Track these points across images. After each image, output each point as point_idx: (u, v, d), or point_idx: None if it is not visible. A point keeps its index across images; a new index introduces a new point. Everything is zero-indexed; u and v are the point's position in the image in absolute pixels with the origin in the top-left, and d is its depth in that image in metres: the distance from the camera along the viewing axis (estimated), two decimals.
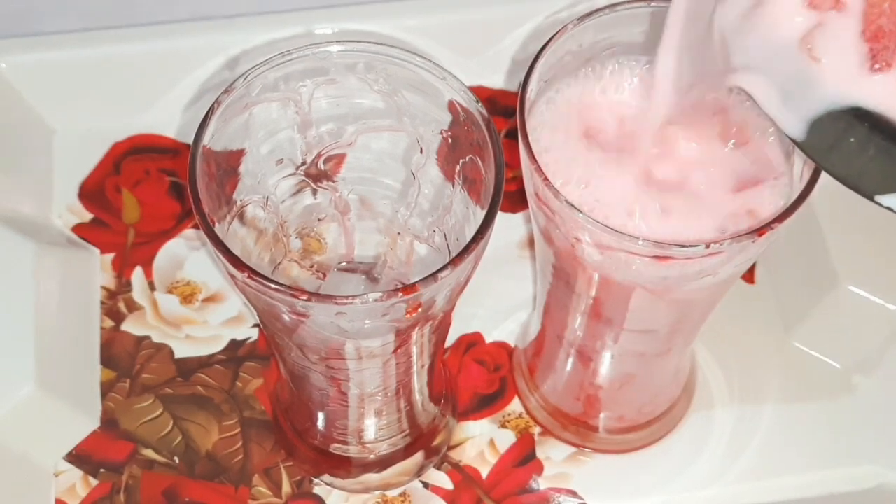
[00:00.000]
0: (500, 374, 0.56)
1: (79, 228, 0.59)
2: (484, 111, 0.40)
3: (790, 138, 0.34)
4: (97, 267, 0.58)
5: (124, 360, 0.55)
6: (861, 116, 0.32)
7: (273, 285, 0.37)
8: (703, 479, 0.53)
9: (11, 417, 0.50)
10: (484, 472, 0.53)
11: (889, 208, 0.33)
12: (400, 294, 0.37)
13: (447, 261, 0.37)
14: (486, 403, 0.55)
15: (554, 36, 0.42)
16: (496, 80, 0.63)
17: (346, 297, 0.37)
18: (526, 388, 0.54)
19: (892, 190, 0.33)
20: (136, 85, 0.61)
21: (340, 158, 0.46)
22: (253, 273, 0.37)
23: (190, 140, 0.39)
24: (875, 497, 0.52)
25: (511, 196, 0.58)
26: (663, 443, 0.54)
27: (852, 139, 0.32)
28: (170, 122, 0.62)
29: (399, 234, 0.47)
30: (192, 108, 0.62)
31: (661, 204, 0.40)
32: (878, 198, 0.33)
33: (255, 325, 0.56)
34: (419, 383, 0.48)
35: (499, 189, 0.39)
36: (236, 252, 0.37)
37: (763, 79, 0.34)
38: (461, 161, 0.43)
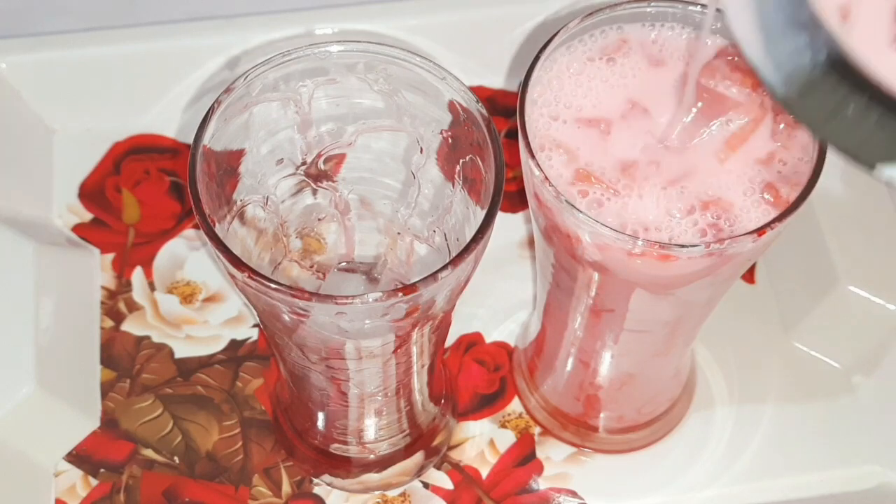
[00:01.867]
0: (500, 374, 0.56)
1: (79, 228, 0.59)
2: (484, 111, 0.40)
3: (781, 100, 0.33)
4: (97, 267, 0.58)
5: (124, 360, 0.55)
6: (862, 87, 0.31)
7: (273, 285, 0.37)
8: (703, 479, 0.53)
9: (11, 417, 0.50)
10: (484, 472, 0.53)
11: (890, 179, 0.32)
12: (400, 294, 0.37)
13: (447, 261, 0.37)
14: (486, 403, 0.55)
15: (554, 35, 0.42)
16: (496, 80, 0.63)
17: (346, 297, 0.37)
18: (526, 388, 0.54)
19: (893, 158, 0.32)
20: (136, 85, 0.61)
21: (340, 158, 0.46)
22: (253, 273, 0.37)
23: (190, 140, 0.39)
24: (875, 497, 0.52)
25: (511, 196, 0.58)
26: (663, 443, 0.54)
27: (853, 106, 0.32)
28: (170, 122, 0.62)
29: (399, 234, 0.47)
30: (192, 108, 0.62)
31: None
32: (878, 167, 0.32)
33: (255, 325, 0.56)
34: (419, 383, 0.48)
35: (499, 189, 0.39)
36: (236, 252, 0.37)
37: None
38: (461, 161, 0.43)
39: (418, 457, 0.53)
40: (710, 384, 0.55)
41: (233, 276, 0.38)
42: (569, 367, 0.51)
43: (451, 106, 0.42)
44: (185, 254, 0.58)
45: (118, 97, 0.61)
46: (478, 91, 0.57)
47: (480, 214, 0.39)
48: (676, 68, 0.42)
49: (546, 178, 0.39)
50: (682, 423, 0.54)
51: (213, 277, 0.58)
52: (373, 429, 0.50)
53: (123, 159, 0.61)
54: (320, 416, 0.50)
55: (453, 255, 0.39)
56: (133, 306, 0.57)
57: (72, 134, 0.62)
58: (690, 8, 0.43)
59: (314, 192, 0.46)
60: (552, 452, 0.53)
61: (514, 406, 0.55)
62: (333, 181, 0.46)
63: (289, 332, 0.41)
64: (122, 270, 0.58)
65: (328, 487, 0.52)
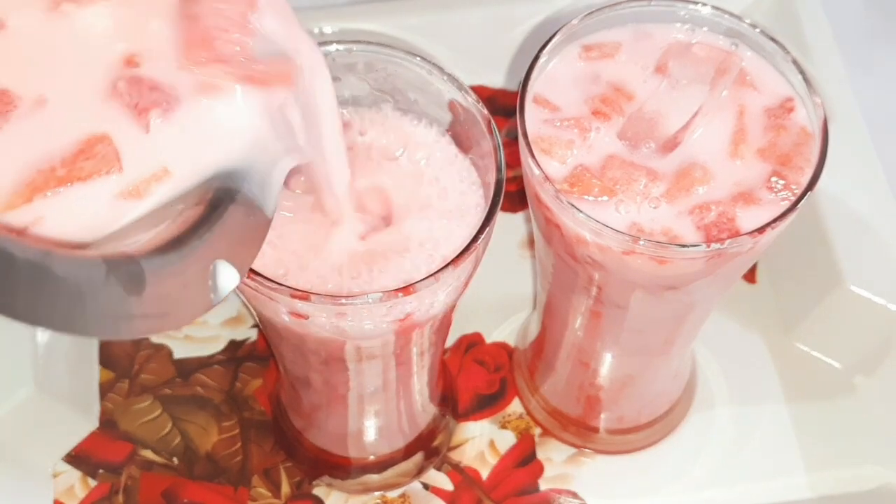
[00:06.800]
0: (500, 375, 0.55)
1: None
2: (484, 111, 0.40)
3: None
4: None
5: (123, 360, 0.55)
6: None
7: (273, 285, 0.36)
8: (703, 479, 0.53)
9: (11, 418, 0.50)
10: (484, 473, 0.53)
11: None
12: (400, 294, 0.37)
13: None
14: (487, 404, 0.55)
15: (554, 35, 0.42)
16: (496, 80, 0.63)
17: (346, 297, 0.37)
18: (526, 389, 0.54)
19: None
20: None
21: None
22: (253, 273, 0.37)
23: None
24: (876, 497, 0.52)
25: (511, 196, 0.58)
26: (664, 443, 0.54)
27: None
28: None
29: None
30: None
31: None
32: None
33: (255, 326, 0.56)
34: (419, 384, 0.48)
35: (499, 189, 0.39)
36: None
37: None
38: None
39: (418, 458, 0.52)
40: (710, 384, 0.55)
41: None
42: (569, 367, 0.51)
43: (452, 106, 0.42)
44: None
45: None
46: (478, 91, 0.57)
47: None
48: (676, 68, 0.42)
49: (546, 177, 0.39)
50: (682, 423, 0.54)
51: None
52: (372, 429, 0.50)
53: None
54: (320, 416, 0.50)
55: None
56: None
57: None
58: (690, 7, 0.43)
59: None
60: (553, 453, 0.53)
61: (515, 407, 0.55)
62: None
63: (289, 333, 0.41)
64: None
65: (327, 488, 0.52)
